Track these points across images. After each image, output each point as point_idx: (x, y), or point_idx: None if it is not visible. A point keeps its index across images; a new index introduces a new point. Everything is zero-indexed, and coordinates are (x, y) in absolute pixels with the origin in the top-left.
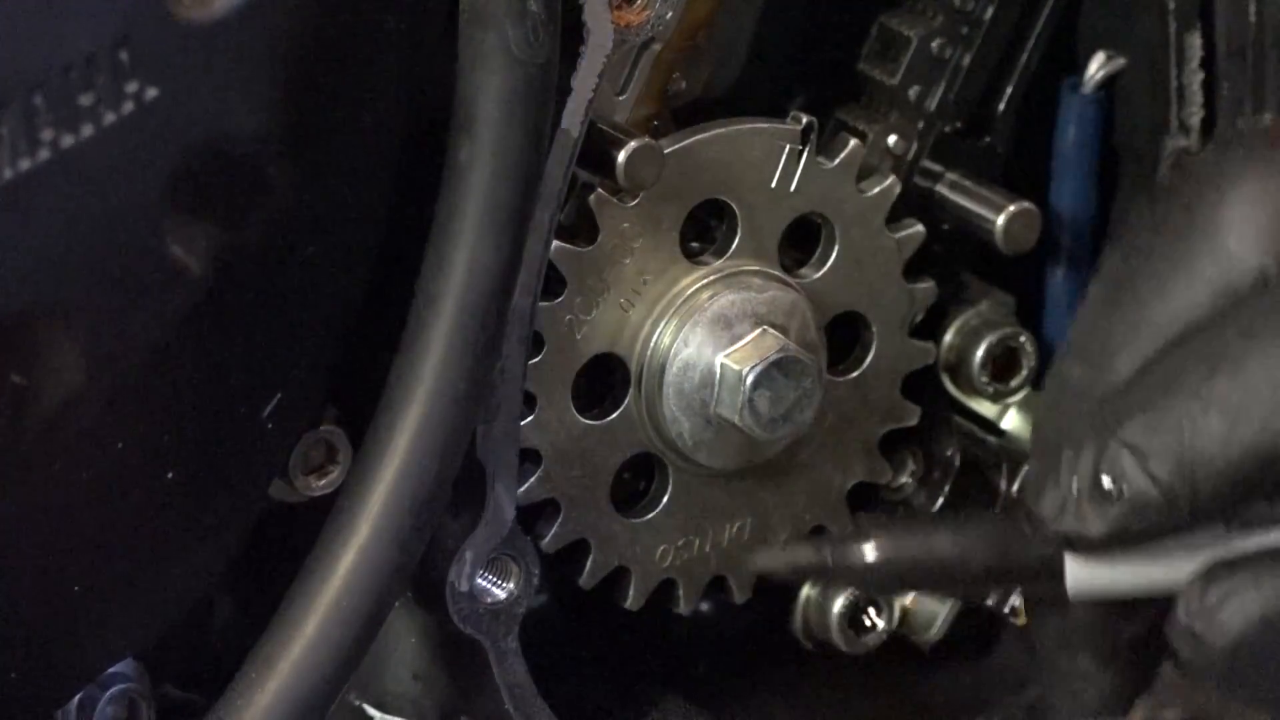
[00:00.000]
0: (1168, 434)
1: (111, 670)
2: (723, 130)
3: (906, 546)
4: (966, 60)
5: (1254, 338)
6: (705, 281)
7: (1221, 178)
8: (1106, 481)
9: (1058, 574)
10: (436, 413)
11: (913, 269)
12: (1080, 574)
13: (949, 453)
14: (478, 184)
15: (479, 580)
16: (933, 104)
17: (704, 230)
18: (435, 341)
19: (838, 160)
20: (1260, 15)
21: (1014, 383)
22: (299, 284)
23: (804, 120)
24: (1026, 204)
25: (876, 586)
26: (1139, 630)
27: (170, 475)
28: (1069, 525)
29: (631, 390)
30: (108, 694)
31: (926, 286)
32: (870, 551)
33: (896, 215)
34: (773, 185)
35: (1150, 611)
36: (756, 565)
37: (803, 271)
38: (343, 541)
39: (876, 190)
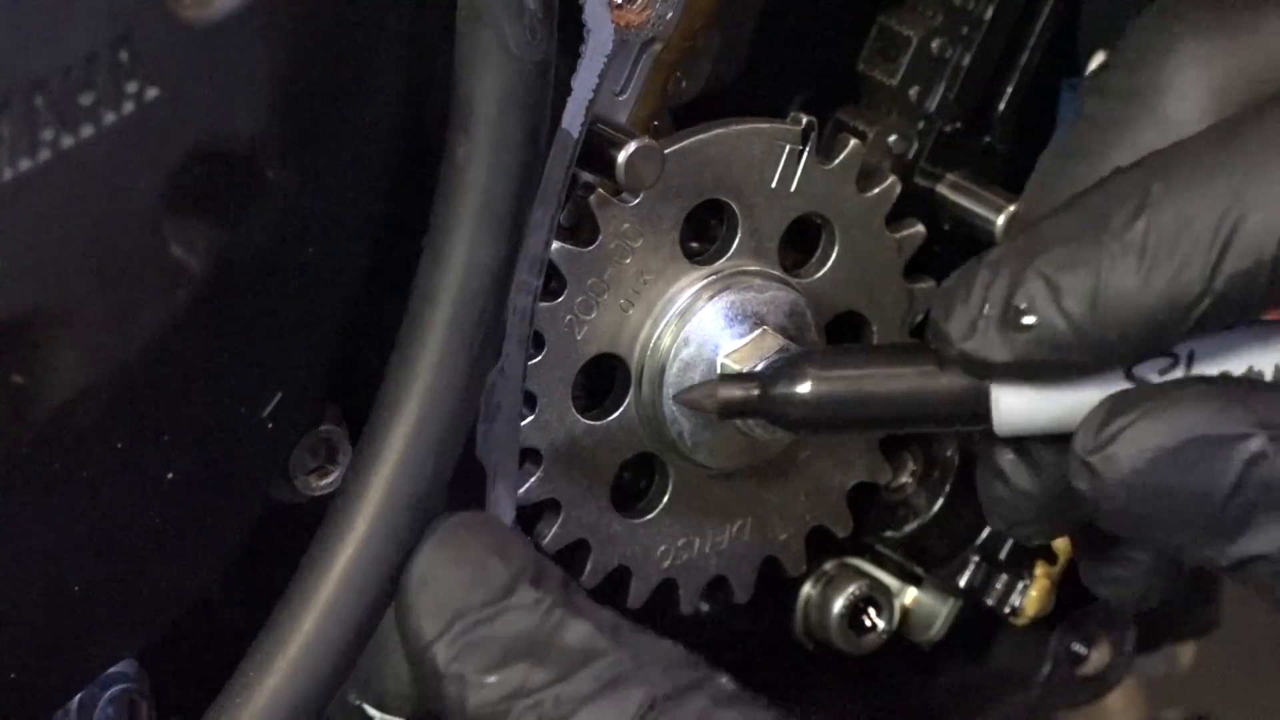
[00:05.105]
0: (1084, 271)
1: (111, 670)
2: (723, 130)
3: (839, 384)
4: (966, 60)
5: (1174, 190)
6: (705, 282)
7: (1163, 37)
8: (1022, 306)
9: (984, 410)
10: (433, 410)
11: (913, 269)
12: (1008, 408)
13: (949, 453)
14: (475, 181)
15: None
16: (933, 104)
17: (704, 230)
18: (431, 339)
19: (838, 160)
20: None
21: None
22: (299, 283)
23: (804, 120)
24: None
25: (806, 426)
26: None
27: (170, 475)
28: (974, 347)
29: (631, 390)
30: (108, 694)
31: (926, 287)
32: (805, 387)
33: (896, 215)
34: (773, 185)
35: None
36: (685, 398)
37: (803, 271)
38: (339, 540)
39: (876, 190)
